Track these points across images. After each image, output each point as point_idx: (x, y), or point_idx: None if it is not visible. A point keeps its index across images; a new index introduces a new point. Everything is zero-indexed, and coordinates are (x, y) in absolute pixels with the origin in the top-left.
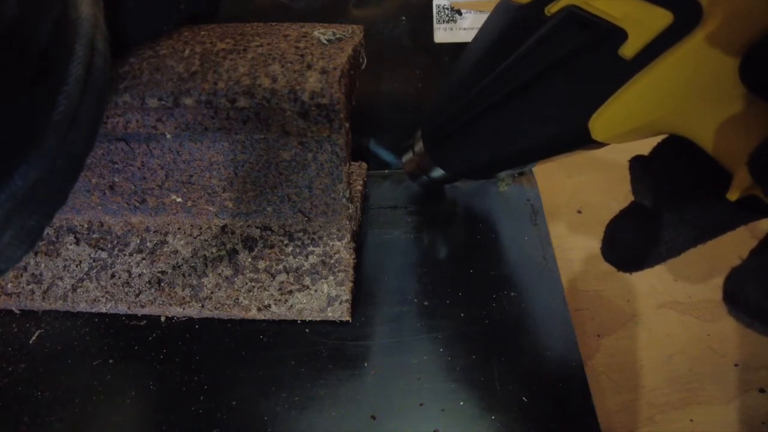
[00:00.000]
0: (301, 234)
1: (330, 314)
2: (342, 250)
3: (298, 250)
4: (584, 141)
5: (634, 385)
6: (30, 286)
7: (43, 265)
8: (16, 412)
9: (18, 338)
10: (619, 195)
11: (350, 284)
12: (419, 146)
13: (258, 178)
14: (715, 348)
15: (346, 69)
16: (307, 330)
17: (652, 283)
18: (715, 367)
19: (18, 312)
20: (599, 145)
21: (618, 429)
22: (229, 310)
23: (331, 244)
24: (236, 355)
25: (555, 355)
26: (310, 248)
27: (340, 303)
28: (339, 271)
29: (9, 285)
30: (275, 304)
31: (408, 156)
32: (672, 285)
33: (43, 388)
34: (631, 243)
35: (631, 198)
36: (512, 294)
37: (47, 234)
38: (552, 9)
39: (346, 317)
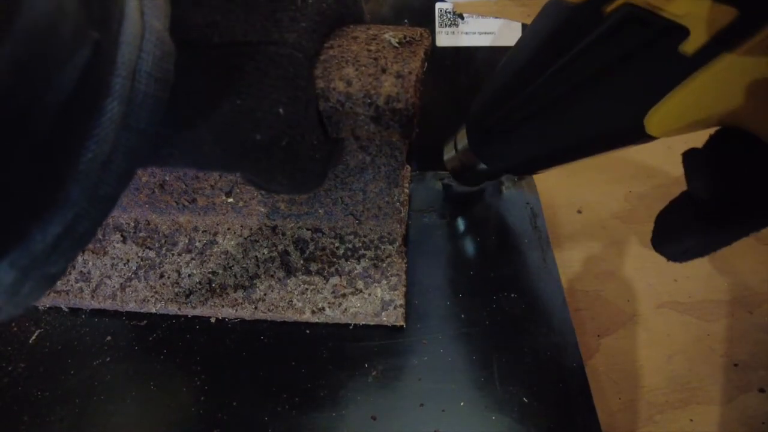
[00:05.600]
0: (352, 237)
1: (384, 319)
2: (394, 254)
3: (349, 253)
4: (638, 137)
5: (634, 385)
6: (79, 284)
7: (90, 263)
8: (16, 411)
9: (18, 337)
10: (619, 195)
11: (403, 289)
12: (463, 144)
13: None
14: (715, 348)
15: (420, 74)
16: (307, 331)
17: (652, 283)
18: (715, 367)
19: (67, 310)
20: (650, 139)
21: (618, 429)
22: (283, 312)
23: (383, 247)
24: (237, 355)
25: (555, 356)
26: (362, 251)
27: (395, 308)
28: (392, 276)
29: (58, 282)
30: (329, 307)
31: (451, 154)
32: (672, 285)
33: (43, 387)
34: (683, 235)
35: (632, 198)
36: (512, 295)
37: None
38: (609, 8)
39: (401, 322)
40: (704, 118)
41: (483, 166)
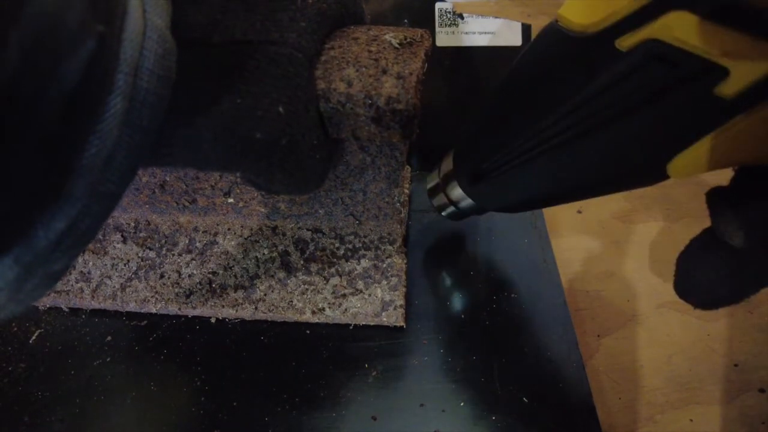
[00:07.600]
0: (352, 237)
1: (385, 319)
2: (394, 254)
3: (349, 254)
4: (656, 180)
5: (634, 385)
6: (79, 284)
7: (91, 263)
8: (16, 411)
9: (18, 337)
10: (619, 195)
11: (403, 289)
12: (451, 184)
13: None
14: (715, 348)
15: (420, 74)
16: (307, 331)
17: (652, 283)
18: (715, 367)
19: (67, 310)
20: (666, 179)
21: (618, 429)
22: (283, 312)
23: (383, 248)
24: (237, 355)
25: (555, 356)
26: (362, 252)
27: (395, 308)
28: (392, 276)
29: (58, 282)
30: (329, 308)
31: (434, 183)
32: (672, 285)
33: (44, 387)
34: (712, 283)
35: (632, 198)
36: (512, 295)
37: None
38: (625, 43)
39: (401, 323)
40: (738, 161)
41: (471, 202)
